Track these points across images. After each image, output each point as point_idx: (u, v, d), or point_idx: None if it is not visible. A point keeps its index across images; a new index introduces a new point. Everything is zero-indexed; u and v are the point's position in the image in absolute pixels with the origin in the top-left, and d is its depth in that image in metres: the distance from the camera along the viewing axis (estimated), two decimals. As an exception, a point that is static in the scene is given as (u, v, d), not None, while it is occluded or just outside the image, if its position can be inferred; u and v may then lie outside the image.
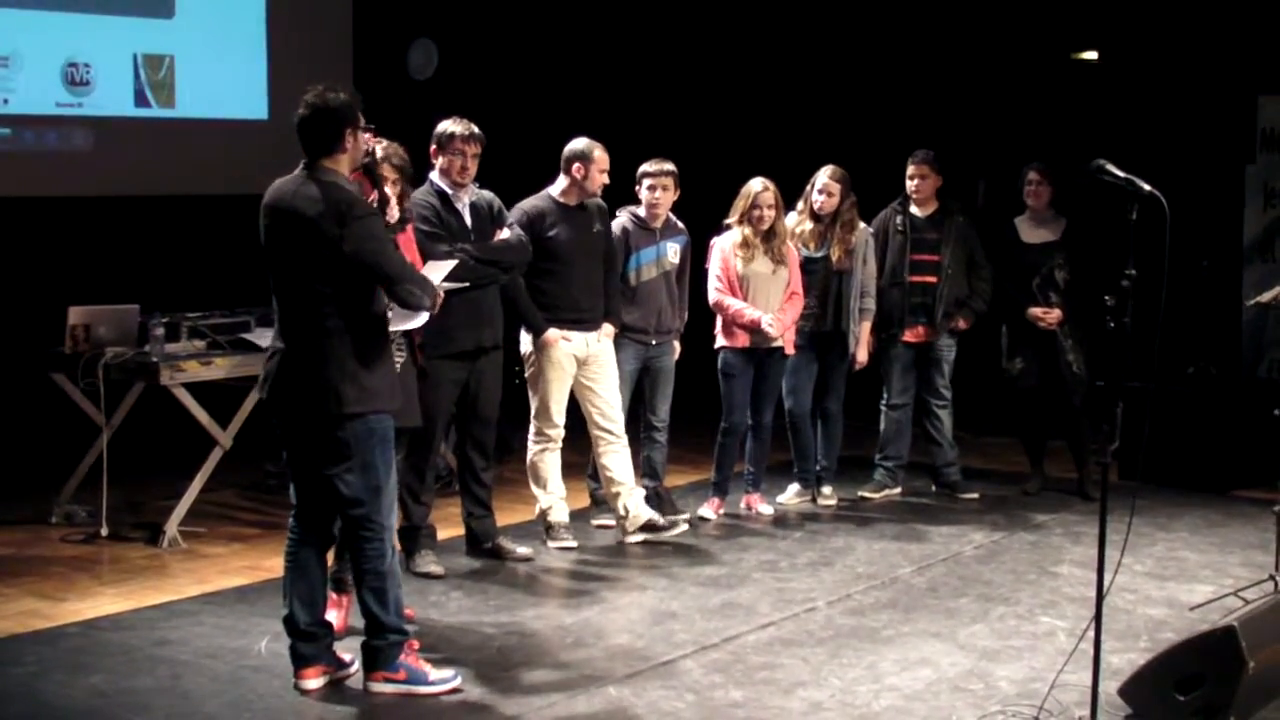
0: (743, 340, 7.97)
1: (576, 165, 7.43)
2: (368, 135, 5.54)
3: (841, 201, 8.20)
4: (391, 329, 5.51)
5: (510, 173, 7.85)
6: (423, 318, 5.63)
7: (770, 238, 7.92)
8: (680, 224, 8.01)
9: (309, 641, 5.46)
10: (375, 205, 5.62)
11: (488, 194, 7.12)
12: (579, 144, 7.47)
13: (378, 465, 5.32)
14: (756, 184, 7.94)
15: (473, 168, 6.93)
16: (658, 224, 7.86)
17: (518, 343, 7.56)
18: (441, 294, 5.68)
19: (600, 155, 7.46)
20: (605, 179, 7.48)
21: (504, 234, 7.06)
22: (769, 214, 7.89)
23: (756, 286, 7.94)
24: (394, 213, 5.97)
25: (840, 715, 5.29)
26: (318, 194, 5.19)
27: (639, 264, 7.82)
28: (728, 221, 8.03)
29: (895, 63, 11.33)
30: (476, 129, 6.92)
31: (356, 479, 5.29)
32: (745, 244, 7.94)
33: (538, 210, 7.42)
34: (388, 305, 5.38)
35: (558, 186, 7.48)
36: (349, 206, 5.17)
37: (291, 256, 5.24)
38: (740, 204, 7.96)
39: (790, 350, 8.09)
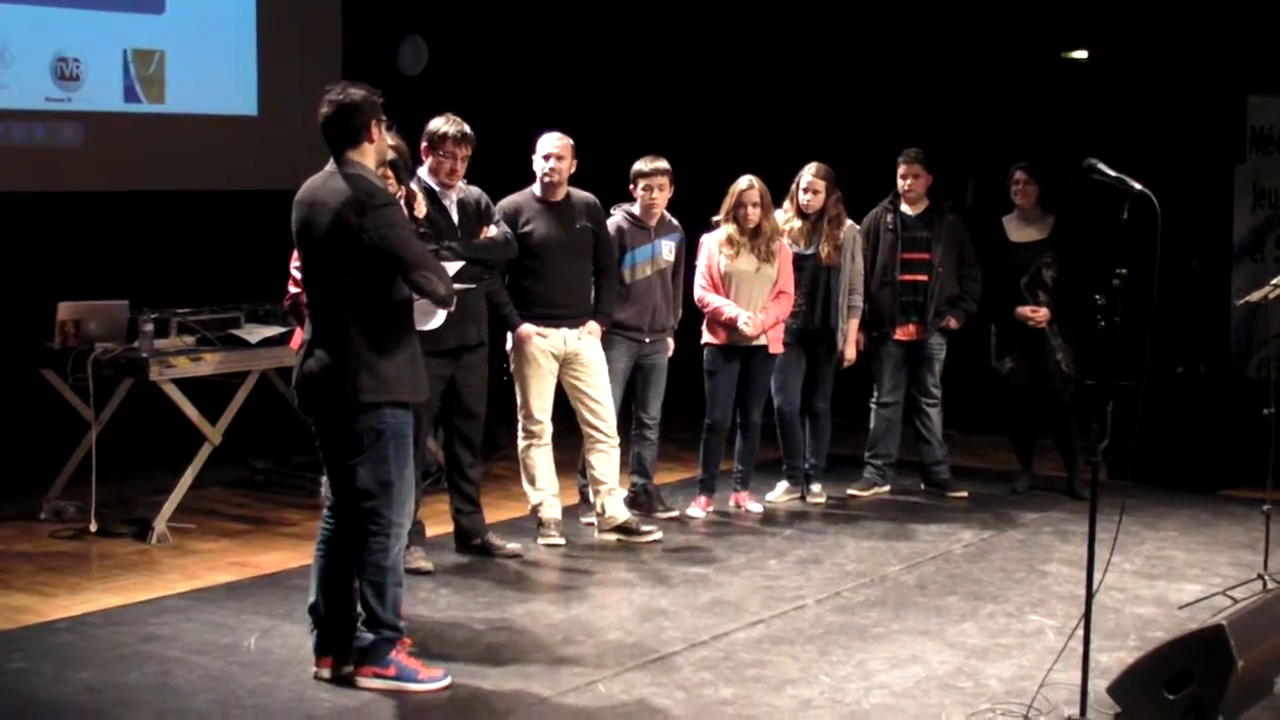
0: (725, 337, 7.98)
1: (533, 157, 7.45)
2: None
3: (827, 198, 8.21)
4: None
5: (500, 169, 7.85)
6: (441, 317, 5.61)
7: (756, 235, 7.93)
8: (675, 221, 8.00)
9: (329, 631, 5.49)
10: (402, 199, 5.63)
11: (475, 190, 7.11)
12: None
13: (389, 460, 5.35)
14: (743, 182, 7.96)
15: (462, 169, 6.94)
16: (653, 222, 7.86)
17: (505, 340, 7.57)
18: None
19: (542, 141, 7.45)
20: (549, 164, 7.38)
21: (490, 231, 7.05)
22: (754, 212, 7.90)
23: (740, 284, 7.96)
24: (421, 208, 5.95)
25: (830, 713, 5.30)
26: (342, 186, 5.25)
27: (634, 262, 7.82)
28: (715, 219, 8.04)
29: (885, 61, 11.34)
30: (469, 130, 6.91)
31: (367, 472, 5.32)
32: (730, 241, 7.96)
33: (515, 206, 7.44)
34: (410, 299, 5.38)
35: (537, 182, 7.50)
36: (369, 196, 5.23)
37: (317, 249, 5.30)
38: (727, 201, 7.98)
39: (776, 349, 8.09)
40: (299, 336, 6.12)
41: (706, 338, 8.07)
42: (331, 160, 5.38)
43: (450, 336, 6.78)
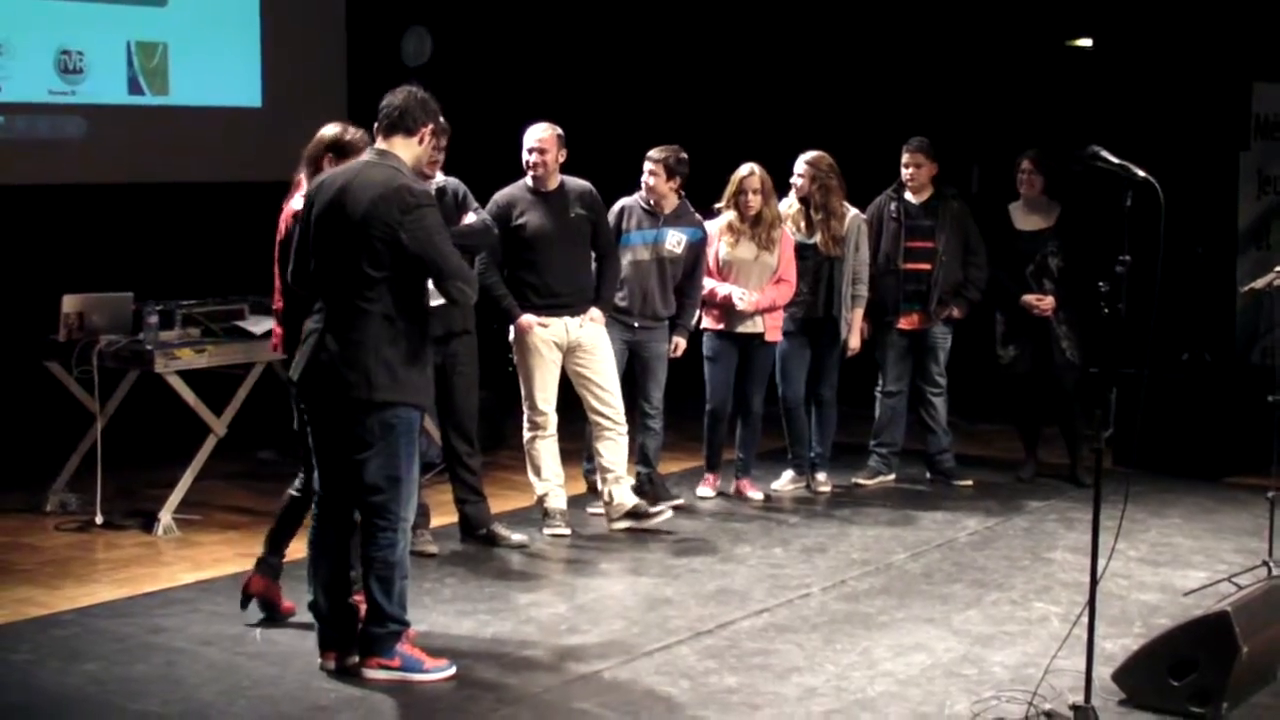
0: (722, 321, 8.02)
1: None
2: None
3: (811, 184, 8.18)
4: None
5: (502, 160, 7.85)
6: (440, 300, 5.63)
7: (757, 223, 7.96)
8: (697, 216, 7.98)
9: (331, 626, 5.49)
10: None
11: (453, 180, 7.10)
12: None
13: (400, 456, 5.33)
14: (744, 169, 8.00)
15: (441, 159, 6.95)
16: (660, 209, 7.84)
17: (507, 331, 7.57)
18: None
19: (527, 134, 7.43)
20: (533, 157, 7.37)
21: (469, 219, 7.04)
22: (754, 199, 7.93)
23: (739, 271, 7.99)
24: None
25: (835, 700, 5.30)
26: (383, 177, 5.24)
27: (628, 244, 7.81)
28: (718, 205, 8.07)
29: (890, 49, 11.33)
30: (443, 120, 6.90)
31: (377, 467, 5.30)
32: (730, 229, 7.99)
33: (509, 199, 7.44)
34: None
35: (529, 174, 7.51)
36: (412, 194, 5.22)
37: (344, 236, 5.24)
38: (729, 188, 8.01)
39: (774, 337, 8.11)
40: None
41: (705, 323, 8.09)
42: (370, 150, 5.40)
43: (436, 324, 6.76)
